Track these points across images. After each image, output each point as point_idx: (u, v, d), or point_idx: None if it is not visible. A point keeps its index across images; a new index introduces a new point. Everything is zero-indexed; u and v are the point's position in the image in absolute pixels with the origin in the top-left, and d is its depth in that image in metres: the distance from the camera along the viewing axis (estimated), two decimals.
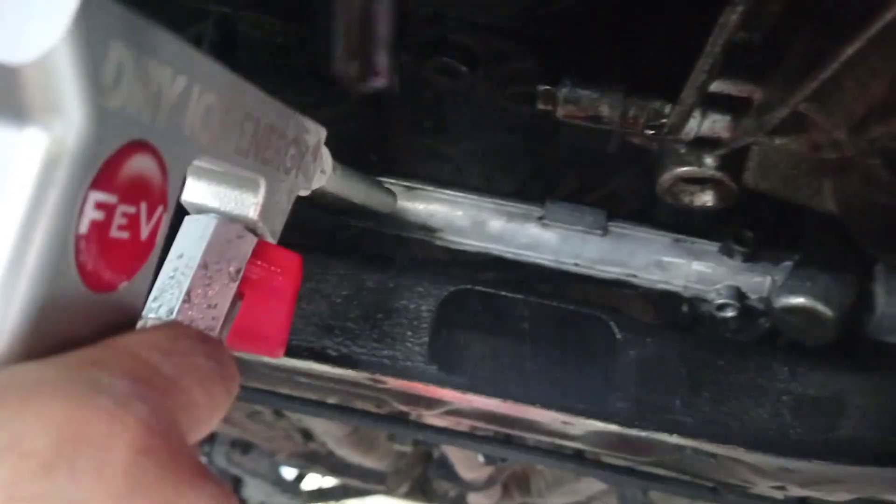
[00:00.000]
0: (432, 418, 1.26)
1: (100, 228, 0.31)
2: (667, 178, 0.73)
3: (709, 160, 0.70)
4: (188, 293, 0.41)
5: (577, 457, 1.19)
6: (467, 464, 1.99)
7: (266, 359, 0.93)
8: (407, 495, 4.32)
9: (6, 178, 0.27)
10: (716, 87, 0.59)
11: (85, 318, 0.31)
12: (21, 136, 0.27)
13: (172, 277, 0.41)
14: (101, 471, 0.26)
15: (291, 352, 0.87)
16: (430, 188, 0.93)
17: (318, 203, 0.70)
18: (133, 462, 0.27)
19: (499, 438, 1.29)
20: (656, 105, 0.62)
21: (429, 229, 0.95)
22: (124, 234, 0.32)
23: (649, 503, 2.06)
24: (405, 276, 0.88)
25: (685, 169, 0.71)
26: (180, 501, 0.29)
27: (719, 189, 0.73)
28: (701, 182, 0.74)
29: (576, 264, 0.94)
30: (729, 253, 0.91)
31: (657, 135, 0.65)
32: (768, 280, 0.90)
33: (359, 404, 1.28)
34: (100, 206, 0.30)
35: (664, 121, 0.62)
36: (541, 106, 0.66)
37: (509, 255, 0.95)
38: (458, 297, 0.89)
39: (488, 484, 2.21)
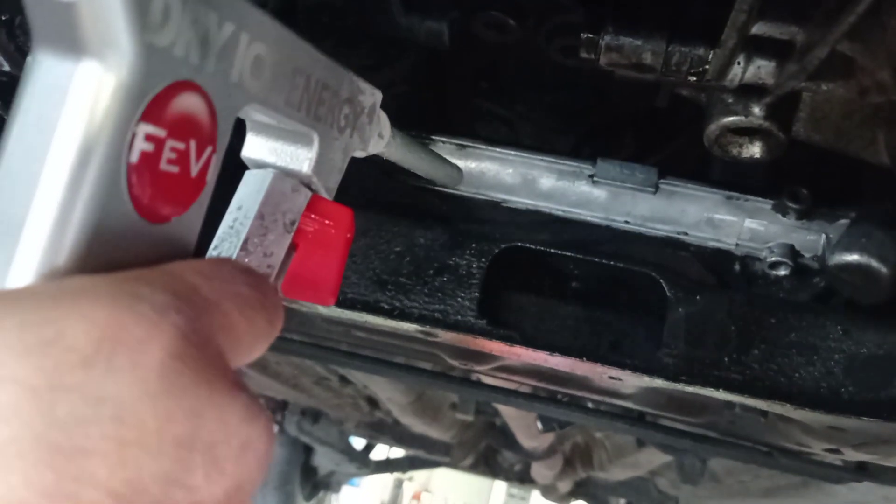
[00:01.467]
0: (489, 378, 1.29)
1: (150, 160, 0.33)
2: (713, 128, 0.72)
3: (756, 109, 0.70)
4: (245, 241, 0.43)
5: (630, 417, 1.20)
6: (527, 432, 2.02)
7: (323, 310, 0.97)
8: (472, 468, 4.38)
9: (64, 108, 0.30)
10: (757, 29, 0.59)
11: (138, 246, 0.34)
12: (76, 69, 0.30)
13: (231, 227, 0.44)
14: (136, 369, 0.28)
15: (346, 304, 0.91)
16: (482, 146, 0.95)
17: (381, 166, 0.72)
18: (167, 365, 0.29)
19: (554, 399, 1.30)
20: (699, 51, 0.62)
21: (481, 187, 0.96)
22: (174, 168, 0.34)
23: (709, 472, 2.04)
24: (457, 234, 0.90)
25: (732, 119, 0.71)
26: (211, 407, 0.30)
27: (768, 140, 0.73)
28: (749, 133, 0.73)
29: (626, 222, 0.94)
30: (783, 210, 0.90)
31: (700, 81, 0.65)
32: (823, 238, 0.89)
33: (416, 364, 1.32)
34: (150, 138, 0.32)
35: (707, 67, 0.62)
36: (584, 54, 0.66)
37: (559, 213, 0.96)
38: (508, 254, 0.91)
39: (549, 453, 2.23)
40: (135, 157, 0.32)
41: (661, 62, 0.64)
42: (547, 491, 4.01)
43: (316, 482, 4.55)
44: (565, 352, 0.88)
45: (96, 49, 0.29)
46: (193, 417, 0.30)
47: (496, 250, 0.90)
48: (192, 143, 0.35)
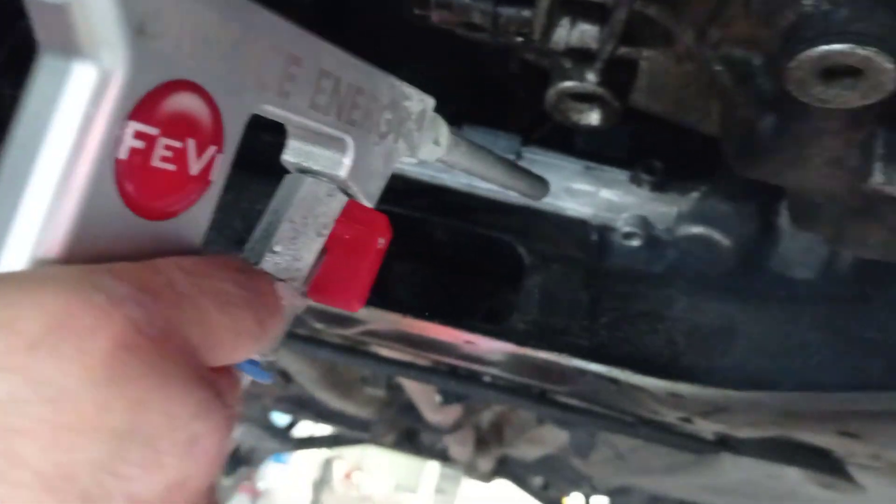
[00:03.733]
0: (380, 349, 1.29)
1: (140, 156, 0.33)
2: (552, 93, 0.73)
3: (590, 75, 0.70)
4: (273, 244, 0.44)
5: (501, 386, 1.21)
6: (430, 406, 2.03)
7: None
8: (395, 445, 4.39)
9: (56, 106, 0.31)
10: None
11: (134, 241, 0.34)
12: (69, 68, 0.31)
13: (265, 230, 0.45)
14: (81, 356, 0.28)
15: None
16: None
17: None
18: (113, 354, 0.29)
19: (436, 369, 1.31)
20: (525, 12, 0.63)
21: None
22: (170, 166, 0.35)
23: (614, 450, 2.09)
24: None
25: (568, 84, 0.71)
26: (157, 399, 0.30)
27: (604, 107, 0.74)
28: (587, 99, 0.74)
29: (489, 189, 0.95)
30: (638, 182, 0.91)
31: (529, 44, 0.65)
32: (674, 210, 0.91)
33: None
34: (140, 135, 0.33)
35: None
36: (417, 11, 0.66)
37: (425, 179, 0.96)
38: None
39: (456, 427, 2.25)
40: (123, 154, 0.32)
41: (491, 22, 0.64)
42: (469, 470, 4.05)
43: (237, 458, 4.52)
44: (418, 314, 0.88)
45: (87, 49, 0.30)
46: (135, 408, 0.29)
47: None
48: (191, 142, 0.35)
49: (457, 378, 1.29)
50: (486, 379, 1.38)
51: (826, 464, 1.09)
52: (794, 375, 0.78)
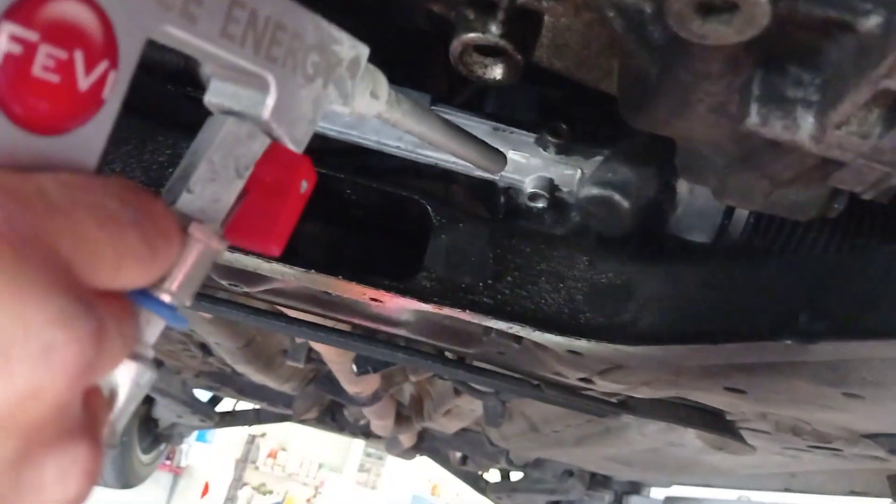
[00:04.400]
0: (290, 311, 1.28)
1: (18, 63, 0.31)
2: (456, 44, 0.73)
3: (493, 27, 0.71)
4: (191, 184, 0.43)
5: (411, 348, 1.22)
6: (347, 377, 2.03)
7: None
8: (317, 422, 4.37)
9: None
10: None
11: (12, 154, 0.33)
12: None
13: (183, 170, 0.43)
14: None
15: None
16: None
17: None
18: None
19: (350, 332, 1.30)
20: None
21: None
22: (53, 77, 0.33)
23: (528, 422, 2.14)
24: None
25: (472, 35, 0.72)
26: (10, 303, 0.29)
27: (508, 62, 0.74)
28: (491, 53, 0.75)
29: (398, 147, 0.95)
30: (543, 144, 0.93)
31: None
32: (578, 173, 0.93)
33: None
34: (16, 39, 0.31)
35: None
36: None
37: (332, 134, 0.95)
38: None
39: (375, 398, 2.25)
40: None
41: None
42: (391, 446, 4.08)
43: (156, 435, 4.44)
44: (322, 269, 0.88)
45: None
46: None
47: None
48: (79, 55, 0.34)
49: (366, 340, 1.29)
50: (397, 342, 1.39)
51: (720, 425, 1.14)
52: (684, 330, 0.80)
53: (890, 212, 0.89)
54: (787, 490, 2.29)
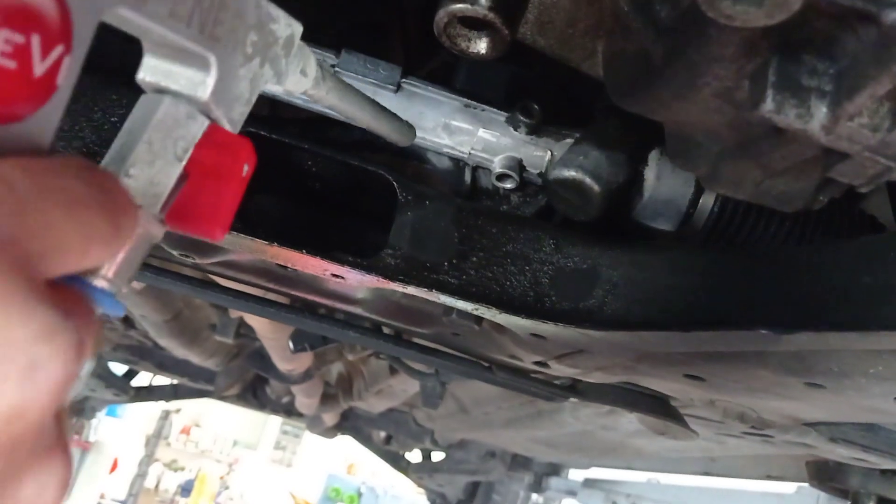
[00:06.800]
0: (229, 282, 1.23)
1: None
2: (442, 14, 0.71)
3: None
4: (129, 167, 0.41)
5: (362, 328, 1.19)
6: (281, 354, 1.98)
7: None
8: (238, 399, 4.29)
9: None
10: None
11: None
12: None
13: (119, 152, 0.42)
14: None
15: None
16: None
17: None
18: None
19: (298, 308, 1.27)
20: None
21: None
22: (10, 63, 0.31)
23: (458, 403, 2.14)
24: None
25: (459, 6, 0.70)
26: None
27: (493, 36, 0.73)
28: (477, 27, 0.73)
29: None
30: (514, 124, 0.91)
31: None
32: (548, 155, 0.92)
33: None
34: None
35: None
36: None
37: (298, 103, 0.92)
38: None
39: (306, 377, 2.22)
40: None
41: None
42: (313, 425, 4.04)
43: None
44: (285, 242, 0.85)
45: None
46: None
47: None
48: (35, 39, 0.32)
49: (316, 317, 1.26)
50: (343, 318, 1.36)
51: (665, 410, 1.15)
52: (653, 317, 0.81)
53: (845, 208, 0.92)
54: (706, 473, 2.38)
